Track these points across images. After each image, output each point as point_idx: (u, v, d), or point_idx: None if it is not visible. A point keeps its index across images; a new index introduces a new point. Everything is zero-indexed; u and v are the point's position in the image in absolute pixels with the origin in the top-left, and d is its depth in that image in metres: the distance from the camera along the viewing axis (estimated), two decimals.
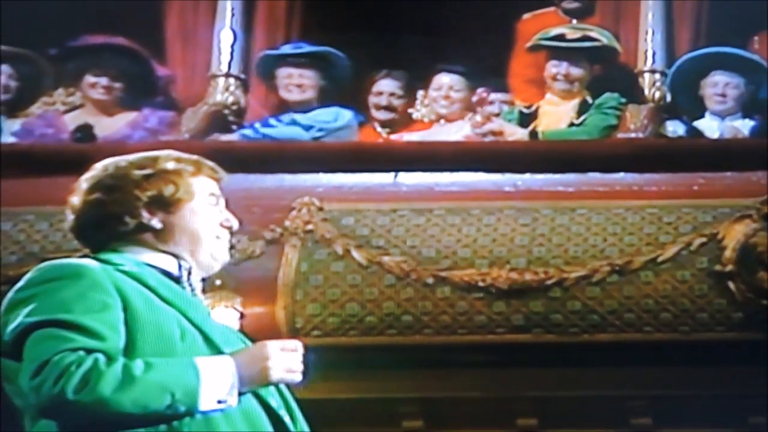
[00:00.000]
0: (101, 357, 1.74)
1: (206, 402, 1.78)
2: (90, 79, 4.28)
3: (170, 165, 1.95)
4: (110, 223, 1.92)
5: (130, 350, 1.79)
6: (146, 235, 1.92)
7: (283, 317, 3.68)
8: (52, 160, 3.95)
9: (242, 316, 3.59)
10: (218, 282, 3.51)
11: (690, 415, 3.72)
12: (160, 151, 1.99)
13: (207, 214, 1.95)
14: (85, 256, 1.92)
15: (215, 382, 1.79)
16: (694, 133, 4.22)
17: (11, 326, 1.76)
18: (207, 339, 1.86)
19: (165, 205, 1.93)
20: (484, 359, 3.71)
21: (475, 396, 3.75)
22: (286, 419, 1.92)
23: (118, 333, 1.79)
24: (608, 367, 3.73)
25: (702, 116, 4.30)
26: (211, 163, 2.01)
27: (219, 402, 1.79)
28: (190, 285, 1.94)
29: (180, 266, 1.93)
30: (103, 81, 4.26)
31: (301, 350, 1.92)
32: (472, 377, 3.73)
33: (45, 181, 3.88)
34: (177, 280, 1.93)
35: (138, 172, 1.93)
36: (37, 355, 1.73)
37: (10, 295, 1.83)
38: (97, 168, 1.95)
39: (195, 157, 2.00)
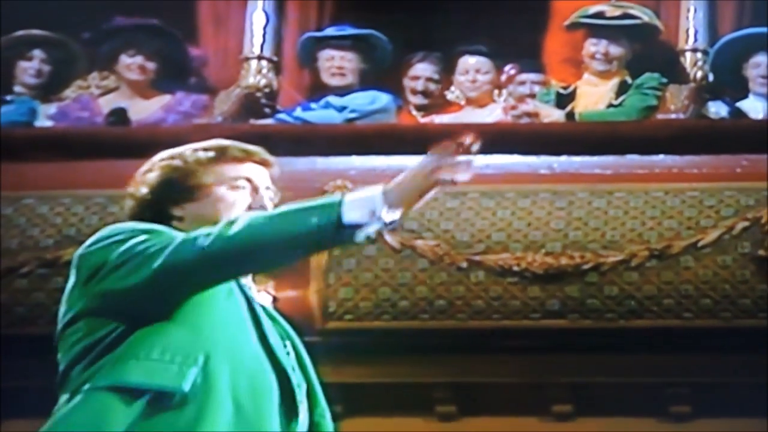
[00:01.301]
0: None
1: (351, 213, 1.83)
2: (125, 59, 4.35)
3: (189, 154, 2.04)
4: (145, 214, 2.03)
5: (171, 285, 1.88)
6: (176, 223, 2.02)
7: (316, 301, 3.73)
8: (87, 143, 4.04)
9: (275, 299, 3.66)
10: None
11: (730, 403, 3.72)
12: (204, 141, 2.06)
13: (229, 199, 2.01)
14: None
15: (359, 198, 1.84)
16: (738, 115, 4.19)
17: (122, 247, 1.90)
18: (251, 306, 1.94)
19: (186, 194, 2.02)
20: (518, 344, 3.73)
21: (510, 382, 3.78)
22: (299, 396, 1.96)
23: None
24: (646, 353, 3.74)
25: (746, 97, 4.27)
26: (247, 147, 2.06)
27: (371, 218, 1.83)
28: None
29: None
30: (138, 60, 4.32)
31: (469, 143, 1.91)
32: (507, 363, 3.75)
33: (81, 164, 3.98)
34: None
35: (161, 164, 2.05)
36: (164, 239, 1.88)
37: (83, 247, 1.95)
38: (148, 161, 2.09)
39: (224, 143, 2.06)
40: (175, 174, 2.03)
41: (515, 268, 3.71)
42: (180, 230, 2.00)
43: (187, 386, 1.84)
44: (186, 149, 2.07)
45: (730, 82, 4.30)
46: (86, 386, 1.85)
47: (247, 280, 2.01)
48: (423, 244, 3.77)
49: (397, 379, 3.76)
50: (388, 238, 3.78)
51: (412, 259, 3.75)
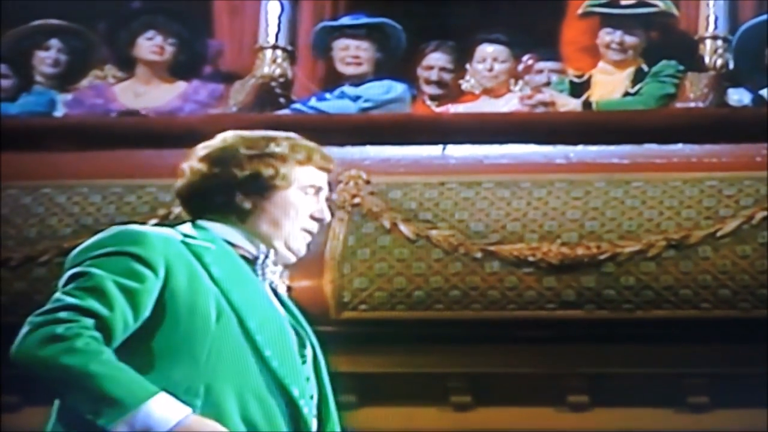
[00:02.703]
0: (89, 333, 1.83)
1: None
2: (143, 42, 4.40)
3: (278, 149, 1.99)
4: (206, 195, 2.00)
5: (158, 322, 1.89)
6: (235, 213, 1.99)
7: (331, 291, 3.77)
8: (105, 133, 4.11)
9: (290, 289, 3.73)
10: None
11: (749, 394, 3.74)
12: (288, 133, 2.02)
13: (299, 205, 1.99)
14: (181, 222, 2.03)
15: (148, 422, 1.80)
16: (761, 102, 4.20)
17: (64, 275, 1.93)
18: (242, 323, 1.91)
19: (260, 187, 1.99)
20: (533, 335, 3.76)
21: (525, 372, 3.81)
22: (305, 410, 1.95)
23: (135, 306, 1.88)
24: (663, 344, 3.77)
25: None
26: (328, 155, 2.04)
27: None
28: (263, 269, 1.99)
29: (258, 249, 1.99)
30: (157, 41, 4.37)
31: None
32: (522, 353, 3.79)
33: (98, 154, 4.05)
34: (253, 262, 1.99)
35: (244, 151, 1.99)
36: (54, 299, 1.88)
37: (77, 251, 1.96)
38: (217, 138, 2.03)
39: (310, 145, 2.03)
40: (258, 166, 1.98)
41: (531, 259, 3.75)
42: (234, 223, 1.98)
43: None
44: (265, 137, 2.00)
45: (752, 69, 4.28)
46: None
47: (277, 280, 2.01)
48: (438, 234, 3.81)
49: (411, 369, 3.81)
50: (403, 228, 3.84)
51: (427, 250, 3.79)
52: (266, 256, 2.01)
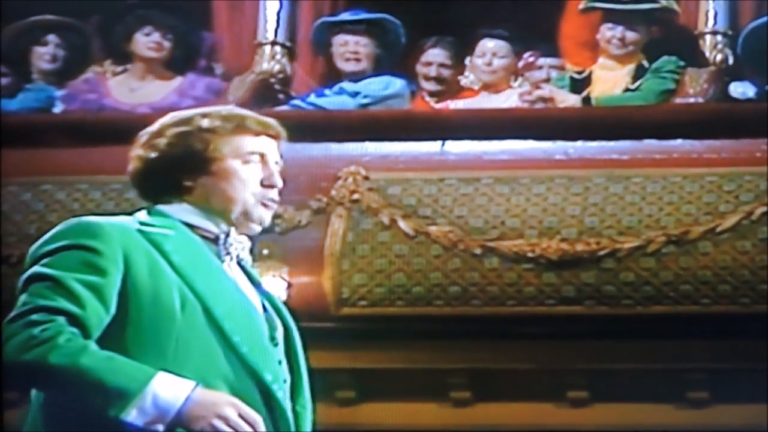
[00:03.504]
0: (67, 330, 1.83)
1: (133, 416, 1.79)
2: (140, 38, 4.42)
3: (207, 122, 1.97)
4: (153, 179, 1.99)
5: (122, 317, 1.88)
6: (184, 193, 1.98)
7: (330, 287, 3.80)
8: (104, 129, 4.11)
9: (289, 285, 3.76)
10: (265, 252, 3.68)
11: (749, 389, 3.77)
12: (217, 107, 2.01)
13: (242, 174, 1.96)
14: (140, 209, 2.01)
15: (151, 404, 1.80)
16: (765, 96, 4.20)
17: (24, 275, 1.92)
18: (207, 311, 1.89)
19: (197, 163, 1.96)
20: (533, 331, 3.79)
21: (525, 368, 3.85)
22: (279, 394, 1.94)
23: (103, 301, 1.88)
24: (663, 339, 3.80)
25: None
26: (264, 119, 2.00)
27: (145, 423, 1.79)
28: (227, 248, 1.98)
29: (219, 227, 1.98)
30: (155, 37, 4.39)
31: (258, 426, 1.85)
32: (521, 349, 3.82)
33: (98, 150, 4.07)
34: (215, 241, 1.97)
35: (174, 129, 1.98)
36: (22, 302, 1.87)
37: (35, 246, 1.95)
38: (156, 122, 2.01)
39: (242, 113, 2.01)
40: (189, 142, 1.96)
41: (530, 255, 3.78)
42: (190, 203, 1.97)
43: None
44: (197, 114, 1.99)
45: (759, 65, 4.28)
46: None
47: (244, 254, 1.98)
48: (437, 230, 3.85)
49: (411, 365, 3.84)
50: (402, 224, 3.88)
51: (426, 246, 3.82)
52: (227, 234, 2.00)
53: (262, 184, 2.00)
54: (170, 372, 1.85)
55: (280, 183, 2.01)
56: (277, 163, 2.02)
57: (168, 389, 1.82)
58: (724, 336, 3.79)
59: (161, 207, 2.00)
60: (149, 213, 2.00)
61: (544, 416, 3.90)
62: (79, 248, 1.89)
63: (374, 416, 3.75)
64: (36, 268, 1.91)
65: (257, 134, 2.01)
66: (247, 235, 2.03)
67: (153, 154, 1.99)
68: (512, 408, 3.90)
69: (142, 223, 1.97)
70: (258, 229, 2.03)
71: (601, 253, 3.79)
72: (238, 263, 2.03)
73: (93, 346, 1.85)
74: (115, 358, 1.84)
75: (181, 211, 2.00)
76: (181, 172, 1.98)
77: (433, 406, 3.91)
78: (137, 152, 2.01)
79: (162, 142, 1.98)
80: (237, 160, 1.98)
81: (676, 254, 3.78)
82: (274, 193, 2.02)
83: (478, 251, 3.82)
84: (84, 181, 4.09)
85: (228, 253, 2.00)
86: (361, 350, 3.73)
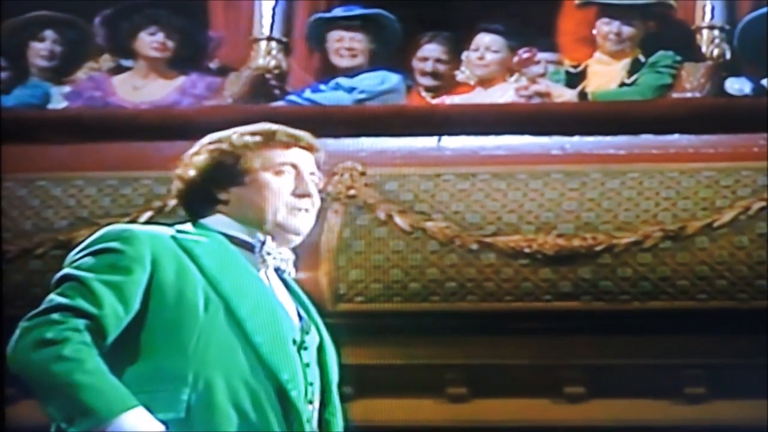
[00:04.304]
0: (79, 337, 1.91)
1: None
2: (144, 37, 4.46)
3: (236, 138, 2.09)
4: (194, 196, 2.11)
5: (146, 313, 1.96)
6: (221, 207, 2.09)
7: (326, 283, 3.83)
8: (100, 126, 4.16)
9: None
10: None
11: (746, 384, 3.78)
12: (254, 125, 2.11)
13: (274, 186, 2.07)
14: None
15: None
16: (762, 92, 4.22)
17: (56, 275, 2.02)
18: (230, 311, 1.98)
19: (230, 177, 2.08)
20: (530, 326, 3.81)
21: (521, 363, 3.86)
22: (293, 394, 1.99)
23: (123, 299, 1.96)
24: (661, 335, 3.81)
25: None
26: (294, 132, 2.11)
27: None
28: (263, 256, 2.06)
29: (255, 237, 2.07)
30: (159, 38, 4.43)
31: None
32: (518, 344, 3.83)
33: (94, 146, 4.11)
34: (252, 250, 2.07)
35: (209, 147, 2.11)
36: (48, 300, 1.96)
37: (74, 251, 2.05)
38: (196, 143, 2.14)
39: (273, 127, 2.12)
40: (222, 157, 2.08)
41: (527, 250, 3.80)
42: (226, 215, 2.08)
43: (182, 411, 1.92)
44: (233, 133, 2.10)
45: (755, 60, 4.30)
46: None
47: (286, 265, 2.07)
48: (433, 225, 3.86)
49: (407, 361, 3.85)
50: (398, 220, 3.89)
51: (423, 241, 3.84)
52: (263, 243, 2.07)
53: (295, 194, 2.09)
54: (190, 369, 1.93)
55: (314, 192, 2.11)
56: (312, 173, 2.12)
57: (135, 424, 1.89)
58: (722, 331, 3.81)
59: (202, 221, 2.11)
60: (193, 225, 2.11)
61: (541, 412, 3.92)
62: (108, 251, 2.00)
63: (371, 412, 3.76)
64: (66, 270, 2.01)
65: (288, 146, 2.11)
66: (291, 249, 2.12)
67: (191, 172, 2.10)
68: (509, 404, 3.91)
69: (178, 231, 2.07)
70: (297, 239, 2.12)
71: (598, 248, 3.81)
72: (279, 275, 2.11)
73: (94, 362, 1.92)
74: (106, 381, 1.91)
75: (218, 222, 2.10)
76: (217, 186, 2.09)
77: (430, 402, 3.93)
78: (178, 172, 2.13)
79: (199, 159, 2.10)
80: (268, 172, 2.09)
81: (673, 250, 3.79)
82: (306, 203, 2.10)
83: (474, 247, 3.84)
84: (80, 177, 4.10)
85: (264, 261, 2.08)
86: (357, 346, 3.74)
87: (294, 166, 2.09)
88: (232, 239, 2.07)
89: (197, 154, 2.11)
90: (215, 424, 1.93)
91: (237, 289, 2.01)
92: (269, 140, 2.10)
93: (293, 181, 2.09)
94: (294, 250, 2.13)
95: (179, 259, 2.01)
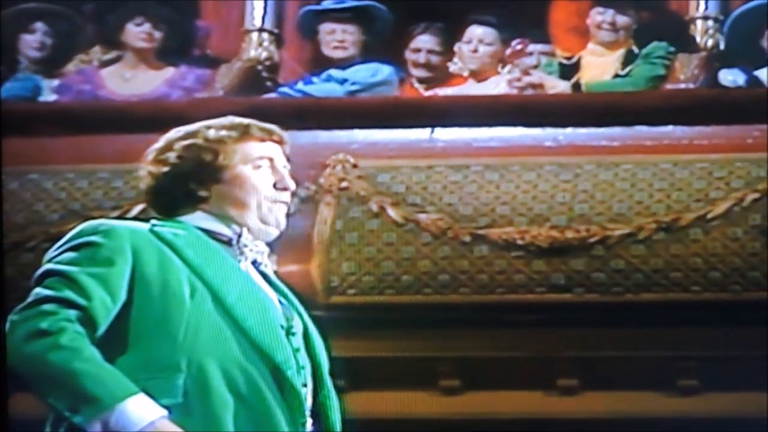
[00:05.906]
0: (73, 327, 1.92)
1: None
2: (132, 28, 4.47)
3: (211, 133, 2.10)
4: (166, 193, 2.11)
5: (132, 303, 1.98)
6: (198, 203, 2.10)
7: (318, 276, 3.84)
8: (91, 118, 4.16)
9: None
10: None
11: (739, 377, 3.80)
12: (221, 119, 2.12)
13: (254, 179, 2.08)
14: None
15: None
16: (755, 83, 4.24)
17: (37, 272, 2.04)
18: (217, 299, 2.00)
19: (208, 173, 2.09)
20: (523, 319, 3.82)
21: (514, 356, 3.87)
22: (289, 373, 2.01)
23: (110, 290, 1.98)
24: (653, 327, 3.83)
25: (764, 66, 4.28)
26: (266, 126, 2.12)
27: None
28: (240, 249, 2.08)
29: (231, 229, 2.08)
30: (146, 28, 4.45)
31: None
32: (511, 337, 3.85)
33: (85, 139, 4.12)
34: (230, 244, 2.09)
35: (181, 143, 2.10)
36: (33, 294, 1.98)
37: (52, 248, 2.06)
38: (162, 138, 2.14)
39: (245, 121, 2.12)
40: (200, 153, 2.08)
41: (520, 242, 3.82)
42: (204, 211, 2.08)
43: (179, 397, 1.94)
44: (203, 127, 2.11)
45: (746, 51, 4.33)
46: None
47: (262, 258, 2.10)
48: (426, 218, 3.88)
49: (400, 354, 3.87)
50: (391, 212, 3.91)
51: (415, 234, 3.85)
52: (239, 235, 2.10)
53: (275, 187, 2.12)
54: (182, 356, 1.95)
55: (292, 185, 2.13)
56: (285, 166, 2.13)
57: (138, 410, 1.91)
58: (715, 323, 3.82)
59: (179, 218, 2.11)
60: (165, 221, 2.11)
61: (534, 404, 3.93)
62: (88, 245, 2.01)
63: (363, 405, 3.78)
64: (48, 265, 2.03)
65: (262, 140, 2.12)
66: (266, 242, 2.14)
67: (164, 169, 2.10)
68: (502, 396, 3.92)
69: (154, 225, 2.08)
70: (275, 232, 2.14)
71: (591, 240, 3.83)
72: (256, 267, 2.13)
73: (90, 351, 1.94)
74: (105, 369, 1.93)
75: (194, 218, 2.11)
76: (195, 183, 2.09)
77: (423, 395, 3.95)
78: (147, 169, 2.12)
79: (171, 156, 2.10)
80: (247, 166, 2.10)
81: (666, 241, 3.81)
82: (286, 196, 2.13)
83: (467, 239, 3.86)
84: (71, 170, 4.12)
85: (242, 254, 2.10)
86: (349, 339, 3.76)
87: (270, 159, 2.12)
88: (207, 233, 2.09)
89: (169, 150, 2.10)
90: (212, 408, 1.96)
91: (222, 278, 2.04)
92: (244, 134, 2.11)
93: (271, 175, 2.11)
94: (271, 243, 2.15)
95: (160, 250, 2.03)
